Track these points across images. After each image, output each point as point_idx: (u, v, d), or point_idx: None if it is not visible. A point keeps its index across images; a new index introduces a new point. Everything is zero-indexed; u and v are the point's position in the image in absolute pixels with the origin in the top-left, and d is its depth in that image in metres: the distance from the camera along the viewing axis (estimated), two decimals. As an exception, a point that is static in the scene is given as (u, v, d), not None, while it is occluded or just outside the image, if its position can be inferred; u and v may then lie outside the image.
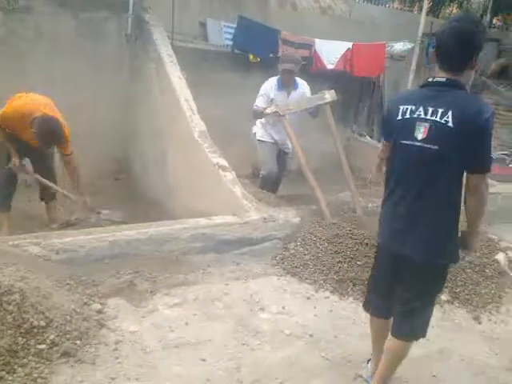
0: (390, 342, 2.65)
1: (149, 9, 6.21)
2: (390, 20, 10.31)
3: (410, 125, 2.31)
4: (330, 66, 7.69)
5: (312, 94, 5.37)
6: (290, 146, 5.38)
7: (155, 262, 3.68)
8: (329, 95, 4.99)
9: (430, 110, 2.25)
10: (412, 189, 2.38)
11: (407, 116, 2.33)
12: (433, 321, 3.54)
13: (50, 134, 4.21)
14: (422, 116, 2.27)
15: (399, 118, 2.36)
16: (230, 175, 4.66)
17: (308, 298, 3.72)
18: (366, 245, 4.13)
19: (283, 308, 3.55)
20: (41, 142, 4.28)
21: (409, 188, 2.40)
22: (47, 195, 4.91)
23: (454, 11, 16.87)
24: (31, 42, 5.69)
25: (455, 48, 2.23)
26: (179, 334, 3.10)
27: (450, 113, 2.20)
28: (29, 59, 5.71)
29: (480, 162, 2.25)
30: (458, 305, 3.86)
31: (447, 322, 3.67)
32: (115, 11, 6.00)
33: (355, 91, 8.69)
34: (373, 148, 7.94)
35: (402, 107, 2.36)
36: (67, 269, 3.35)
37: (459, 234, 2.46)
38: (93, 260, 3.48)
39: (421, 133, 2.27)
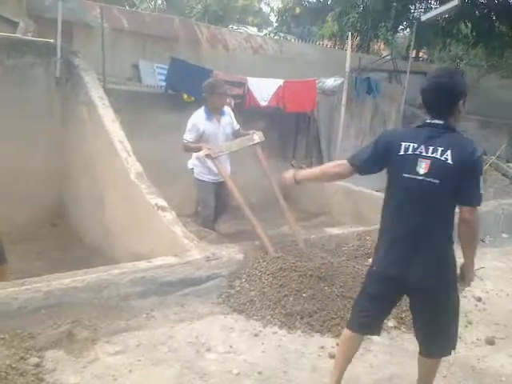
0: (426, 362, 2.90)
1: (78, 53, 6.15)
2: (321, 57, 10.69)
3: (412, 160, 2.54)
4: (263, 103, 7.83)
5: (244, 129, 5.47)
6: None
7: (94, 309, 3.52)
8: (257, 136, 5.10)
9: (431, 148, 2.51)
10: (412, 218, 2.57)
11: (409, 152, 2.55)
12: (381, 347, 3.59)
13: None
14: (424, 153, 2.52)
15: (401, 153, 2.58)
16: (169, 215, 4.58)
17: (256, 335, 3.64)
18: (310, 276, 4.11)
19: (231, 347, 3.46)
20: None
21: (408, 217, 2.59)
22: None
23: (382, 47, 17.79)
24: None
25: (435, 100, 2.56)
26: (122, 382, 2.95)
27: (448, 152, 2.46)
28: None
29: (473, 196, 2.49)
30: (404, 329, 3.87)
31: (395, 347, 3.67)
32: (42, 56, 5.87)
33: (291, 126, 8.85)
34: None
35: (404, 144, 2.58)
36: (1, 322, 3.15)
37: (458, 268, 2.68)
38: (28, 311, 3.29)
39: (422, 168, 2.51)
